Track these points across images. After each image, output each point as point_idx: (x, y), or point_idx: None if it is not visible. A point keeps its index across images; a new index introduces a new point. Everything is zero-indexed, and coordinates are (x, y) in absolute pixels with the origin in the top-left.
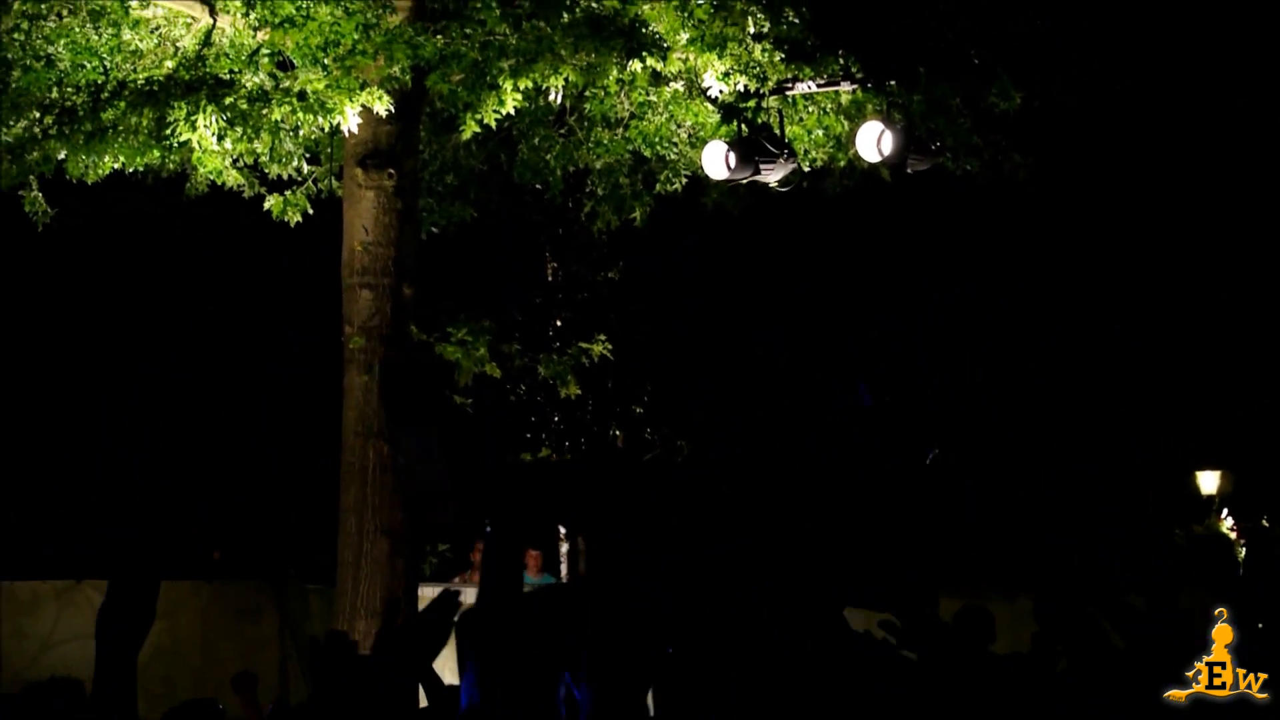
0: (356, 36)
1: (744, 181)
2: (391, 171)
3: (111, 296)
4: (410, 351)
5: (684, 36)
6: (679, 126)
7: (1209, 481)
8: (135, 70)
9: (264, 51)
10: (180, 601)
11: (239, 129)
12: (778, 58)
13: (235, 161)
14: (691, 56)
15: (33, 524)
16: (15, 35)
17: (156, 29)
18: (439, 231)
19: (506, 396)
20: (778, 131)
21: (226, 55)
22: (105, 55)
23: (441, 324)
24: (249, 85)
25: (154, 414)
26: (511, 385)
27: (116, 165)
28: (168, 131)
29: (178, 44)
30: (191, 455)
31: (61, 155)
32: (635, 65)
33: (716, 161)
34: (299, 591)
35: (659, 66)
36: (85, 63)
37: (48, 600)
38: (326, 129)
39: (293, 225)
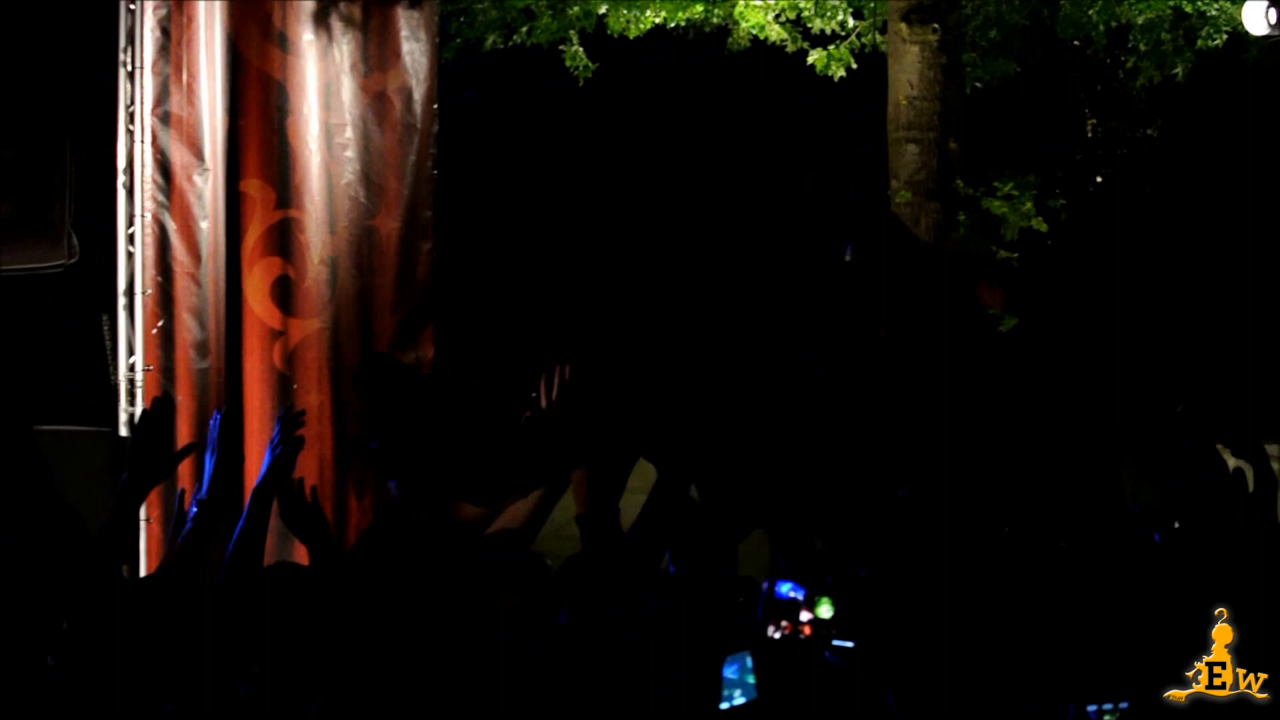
0: None
1: None
2: (936, 26)
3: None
4: (956, 205)
5: None
6: None
7: None
8: None
9: None
10: None
11: None
12: None
13: (778, 16)
14: None
15: None
16: None
17: None
18: (981, 87)
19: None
20: None
21: None
22: None
23: (986, 179)
24: None
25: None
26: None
27: (658, 20)
28: None
29: None
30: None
31: (603, 10)
32: None
33: (1257, 17)
34: None
35: None
36: None
37: None
38: None
39: (836, 80)
